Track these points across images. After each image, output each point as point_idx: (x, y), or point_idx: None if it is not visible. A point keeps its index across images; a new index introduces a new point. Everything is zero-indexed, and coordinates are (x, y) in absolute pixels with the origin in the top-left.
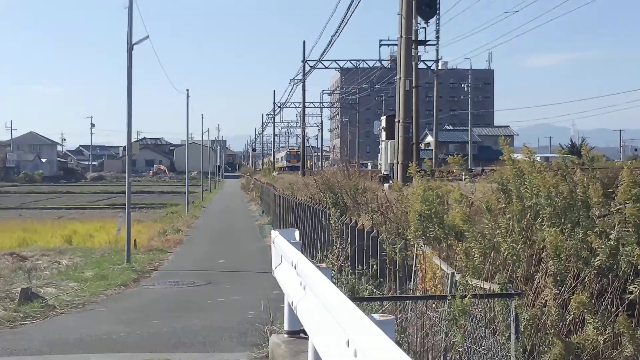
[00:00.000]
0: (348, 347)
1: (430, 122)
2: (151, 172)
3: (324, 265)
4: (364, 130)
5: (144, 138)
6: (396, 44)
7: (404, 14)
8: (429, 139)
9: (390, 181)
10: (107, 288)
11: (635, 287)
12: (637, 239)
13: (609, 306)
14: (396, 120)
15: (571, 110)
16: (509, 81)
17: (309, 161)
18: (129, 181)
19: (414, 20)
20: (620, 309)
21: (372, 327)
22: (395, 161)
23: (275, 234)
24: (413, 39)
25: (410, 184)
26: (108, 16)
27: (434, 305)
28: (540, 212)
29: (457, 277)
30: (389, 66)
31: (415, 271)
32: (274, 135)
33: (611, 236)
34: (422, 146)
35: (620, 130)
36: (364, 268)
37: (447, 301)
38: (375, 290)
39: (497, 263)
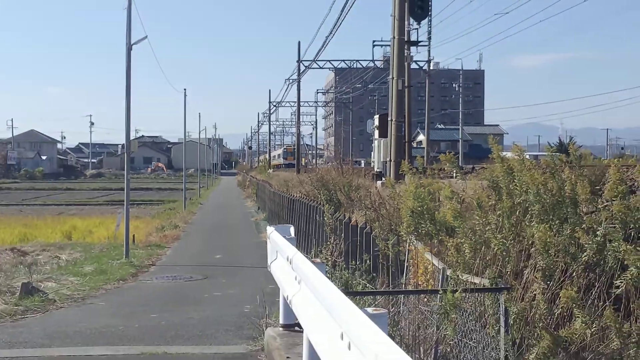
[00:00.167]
0: (342, 340)
1: (422, 121)
2: (149, 169)
3: (318, 260)
4: (357, 128)
5: (143, 136)
6: (389, 45)
7: (397, 16)
8: (421, 137)
9: (383, 178)
10: (106, 282)
11: (622, 282)
12: (623, 235)
13: (596, 300)
14: (389, 119)
15: (559, 109)
16: (499, 81)
17: (303, 159)
18: (127, 178)
19: (406, 22)
20: (607, 303)
21: (365, 320)
22: (388, 159)
23: (270, 229)
24: (405, 40)
25: (402, 181)
26: (107, 17)
27: (425, 299)
28: (529, 209)
29: (448, 272)
30: (382, 66)
31: (407, 266)
32: (270, 133)
33: (598, 232)
34: (414, 144)
35: (607, 129)
36: (358, 263)
37: (439, 295)
38: (368, 284)
39: (487, 258)
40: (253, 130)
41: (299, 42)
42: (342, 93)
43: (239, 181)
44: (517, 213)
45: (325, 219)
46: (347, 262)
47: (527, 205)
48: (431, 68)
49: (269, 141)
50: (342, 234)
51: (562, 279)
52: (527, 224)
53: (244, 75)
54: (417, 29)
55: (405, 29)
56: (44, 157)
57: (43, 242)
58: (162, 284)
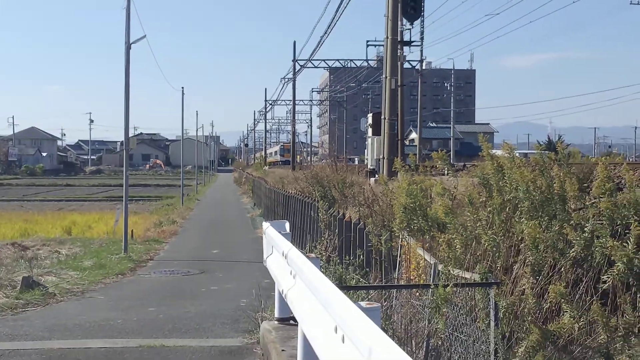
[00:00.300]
0: (336, 333)
1: (415, 120)
2: (147, 166)
3: (313, 255)
4: (351, 126)
5: (141, 133)
6: (382, 45)
7: (390, 16)
8: (414, 135)
9: (376, 175)
10: (105, 277)
11: (609, 277)
12: (610, 232)
13: (583, 295)
14: (382, 117)
15: (548, 108)
16: (490, 80)
17: (298, 156)
18: (126, 174)
19: (399, 22)
20: (594, 298)
21: (359, 314)
22: (381, 156)
23: (266, 225)
24: (398, 40)
25: (395, 178)
26: (107, 17)
27: (417, 293)
28: (519, 206)
29: (440, 267)
30: (376, 66)
31: (399, 261)
32: (265, 131)
33: (586, 229)
34: (407, 142)
35: (595, 128)
36: (351, 258)
37: (430, 290)
38: (361, 279)
39: (478, 254)
40: (249, 128)
41: (295, 42)
42: (336, 92)
43: (236, 178)
44: (507, 210)
45: (320, 215)
46: (341, 257)
47: (517, 202)
48: (423, 67)
49: (265, 139)
50: (336, 230)
51: (550, 274)
52: (517, 220)
53: (241, 75)
54: (409, 29)
55: (398, 29)
56: (44, 154)
57: (43, 237)
58: (160, 278)
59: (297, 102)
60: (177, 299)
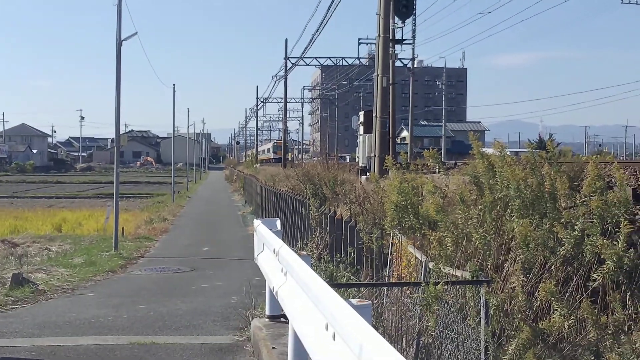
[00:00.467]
0: (327, 330)
1: (406, 118)
2: (138, 163)
3: (304, 253)
4: (342, 124)
5: (132, 130)
6: (374, 43)
7: (382, 14)
8: (405, 133)
9: (368, 173)
10: (95, 274)
11: (599, 275)
12: (600, 230)
13: (573, 293)
14: (374, 115)
15: (540, 107)
16: (482, 79)
17: (290, 154)
18: (117, 172)
19: (391, 20)
20: (584, 296)
21: (350, 311)
22: (372, 154)
23: (257, 222)
24: (390, 38)
25: (386, 176)
26: (98, 13)
27: (408, 291)
28: (510, 204)
29: (431, 264)
30: (367, 64)
31: (390, 259)
32: (257, 128)
33: (576, 227)
34: (398, 140)
35: (585, 126)
36: (342, 256)
37: (421, 288)
38: (352, 277)
39: (469, 252)
40: (241, 126)
41: (286, 40)
42: (328, 90)
43: (227, 175)
44: (498, 208)
45: (311, 212)
46: (332, 255)
47: (507, 200)
48: (415, 66)
49: (256, 136)
50: (328, 228)
51: (541, 273)
52: (508, 218)
53: (233, 72)
54: (401, 27)
55: (390, 27)
56: (34, 151)
57: (33, 234)
58: (150, 276)
59: (288, 99)
60: (167, 297)
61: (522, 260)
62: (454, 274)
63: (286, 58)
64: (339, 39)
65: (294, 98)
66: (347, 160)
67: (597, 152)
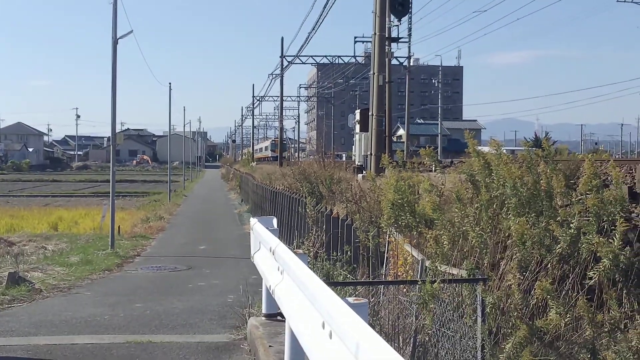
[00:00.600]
0: (323, 329)
1: (402, 116)
2: (134, 161)
3: (300, 251)
4: (339, 123)
5: (128, 129)
6: (370, 41)
7: (378, 13)
8: (401, 131)
9: (364, 172)
10: (91, 273)
11: (595, 274)
12: (597, 228)
13: (570, 291)
14: (370, 113)
15: (535, 105)
16: (478, 77)
17: (287, 152)
18: (113, 170)
19: (387, 19)
20: (580, 294)
21: (346, 310)
22: (368, 153)
23: (254, 221)
24: (386, 36)
25: (383, 174)
26: (96, 14)
27: (405, 289)
28: (506, 202)
29: (427, 263)
30: (363, 62)
31: (387, 257)
32: (253, 127)
33: (572, 225)
34: (395, 139)
35: (581, 125)
36: (339, 254)
37: (418, 286)
38: (349, 275)
39: (465, 250)
40: (237, 124)
41: (282, 38)
42: (324, 88)
43: (223, 174)
44: (495, 206)
45: (308, 211)
46: (328, 253)
47: (504, 198)
48: (411, 64)
49: (252, 135)
50: (324, 226)
51: (537, 271)
52: (504, 216)
53: (229, 71)
54: (397, 25)
55: (386, 25)
56: (30, 149)
57: (30, 233)
58: (147, 274)
59: (284, 98)
60: (164, 295)
61: (518, 258)
62: (450, 272)
63: (282, 56)
64: (335, 37)
65: (290, 96)
66: (344, 158)
67: (593, 150)
